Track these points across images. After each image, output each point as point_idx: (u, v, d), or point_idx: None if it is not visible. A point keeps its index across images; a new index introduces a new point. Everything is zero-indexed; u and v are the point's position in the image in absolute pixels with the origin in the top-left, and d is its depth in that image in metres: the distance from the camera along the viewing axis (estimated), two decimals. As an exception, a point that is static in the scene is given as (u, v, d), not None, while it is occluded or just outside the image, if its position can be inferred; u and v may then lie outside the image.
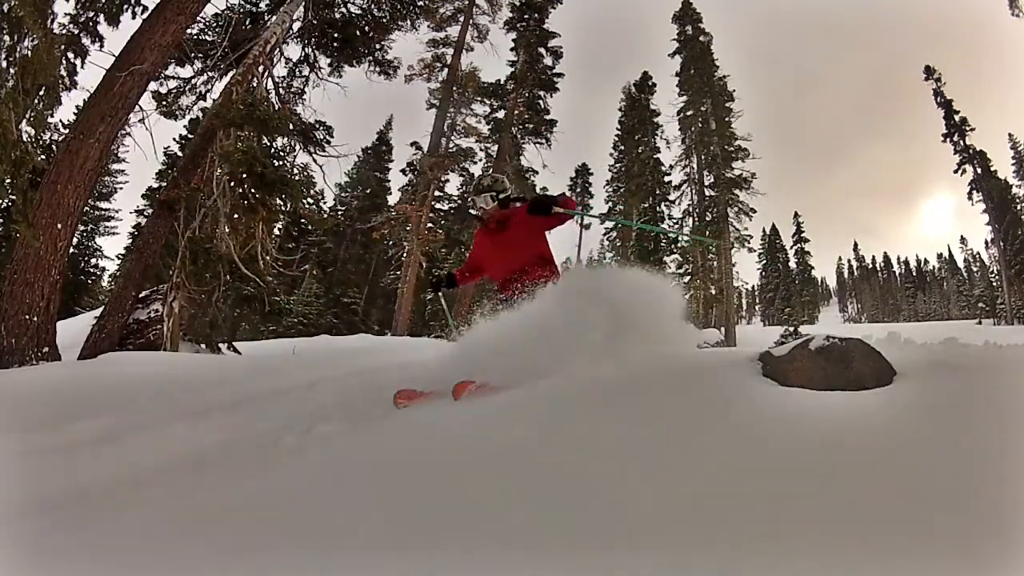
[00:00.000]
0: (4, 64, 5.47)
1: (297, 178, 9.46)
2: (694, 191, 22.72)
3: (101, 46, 8.08)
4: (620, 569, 0.92)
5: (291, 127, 8.86)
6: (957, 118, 23.35)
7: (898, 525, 0.95)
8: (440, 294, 3.89)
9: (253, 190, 7.87)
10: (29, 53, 5.57)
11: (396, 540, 1.08)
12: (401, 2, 10.61)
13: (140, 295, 7.38)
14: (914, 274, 39.72)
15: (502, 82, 20.46)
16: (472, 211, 3.65)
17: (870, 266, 42.36)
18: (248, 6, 9.66)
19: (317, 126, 9.43)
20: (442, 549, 1.03)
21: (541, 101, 20.67)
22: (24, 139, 5.57)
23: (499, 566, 0.97)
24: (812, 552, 0.90)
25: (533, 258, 3.32)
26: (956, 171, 23.43)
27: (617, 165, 24.37)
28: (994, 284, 26.88)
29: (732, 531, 0.98)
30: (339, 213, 21.87)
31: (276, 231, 12.49)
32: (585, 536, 1.02)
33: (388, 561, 1.01)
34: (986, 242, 25.56)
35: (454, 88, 19.63)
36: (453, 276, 3.78)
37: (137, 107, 7.23)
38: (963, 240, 33.68)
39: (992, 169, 23.19)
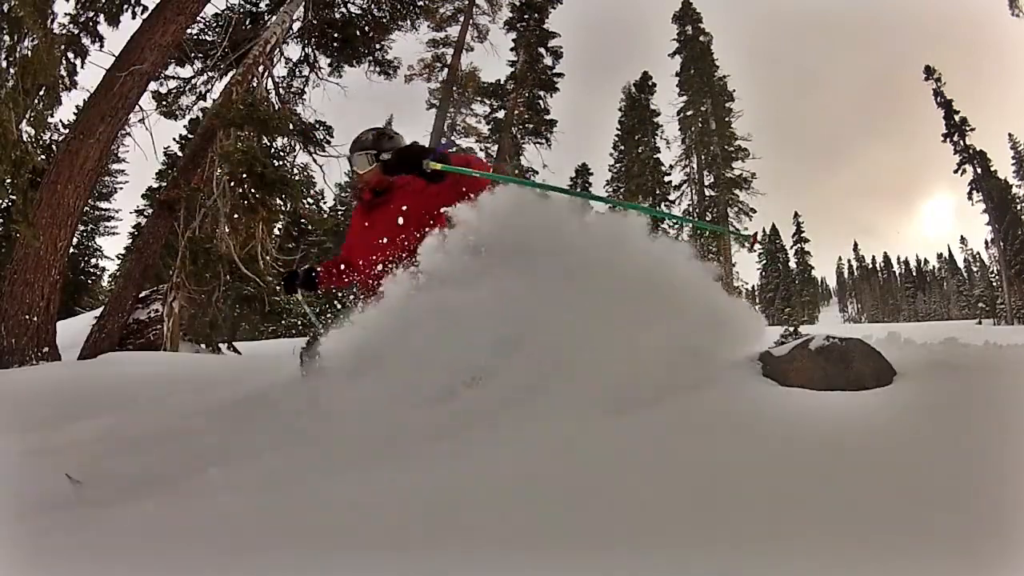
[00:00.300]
0: (4, 64, 5.48)
1: (297, 178, 9.48)
2: (694, 191, 22.73)
3: (101, 46, 8.10)
4: (620, 569, 0.92)
5: (291, 127, 8.87)
6: (957, 118, 23.37)
7: (898, 525, 0.95)
8: (299, 296, 2.78)
9: (253, 190, 7.89)
10: (29, 53, 5.58)
11: (396, 540, 1.08)
12: (401, 2, 10.62)
13: (140, 295, 7.39)
14: (914, 274, 39.73)
15: (502, 82, 20.47)
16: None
17: (870, 266, 42.38)
18: (248, 6, 9.67)
19: (317, 126, 9.44)
20: (442, 549, 1.03)
21: (541, 101, 20.68)
22: (24, 139, 5.58)
23: (499, 566, 0.97)
24: (812, 552, 0.90)
25: (415, 247, 2.09)
26: (956, 171, 23.46)
27: (617, 165, 24.36)
28: (994, 284, 26.88)
29: (732, 531, 0.98)
30: (339, 213, 21.87)
31: (276, 231, 12.50)
32: (585, 536, 1.02)
33: (388, 561, 1.01)
34: (986, 242, 25.59)
35: (454, 88, 19.64)
36: (314, 273, 2.68)
37: (137, 107, 7.25)
38: (963, 240, 33.71)
39: (992, 169, 23.20)
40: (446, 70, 19.53)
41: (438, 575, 0.96)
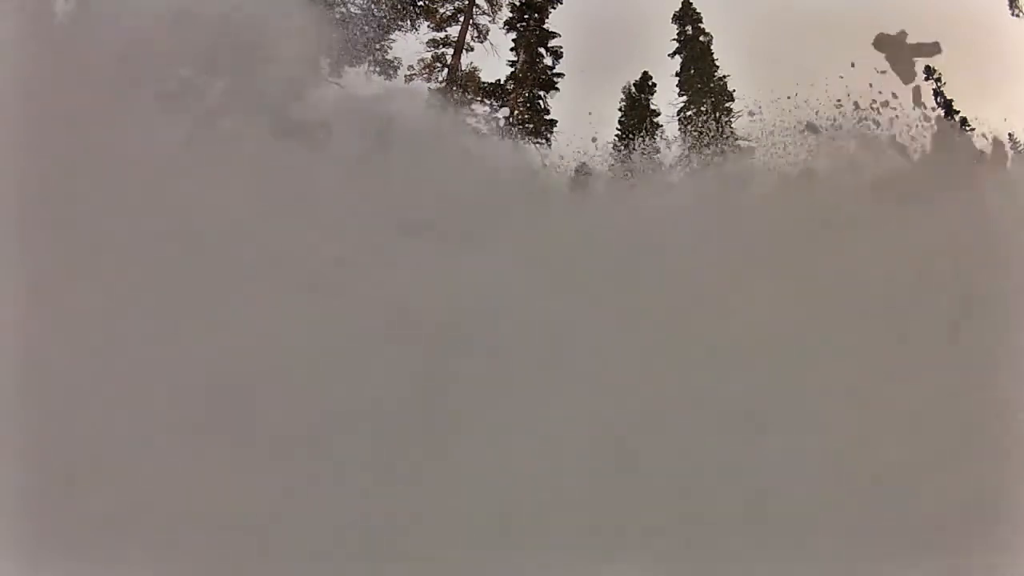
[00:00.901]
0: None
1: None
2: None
3: (101, 46, 8.07)
4: (620, 568, 0.91)
5: (291, 127, 8.85)
6: (957, 118, 23.31)
7: (899, 525, 0.95)
8: None
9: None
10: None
11: (397, 541, 1.08)
12: (401, 2, 10.62)
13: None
14: (914, 274, 39.63)
15: (502, 82, 20.42)
16: None
17: (870, 266, 42.27)
18: (248, 6, 9.66)
19: (317, 126, 9.43)
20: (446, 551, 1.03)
21: (541, 101, 20.62)
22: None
23: (499, 566, 0.97)
24: (811, 551, 0.90)
25: None
26: (956, 171, 23.35)
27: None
28: (994, 284, 26.79)
29: (732, 530, 0.98)
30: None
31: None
32: (587, 535, 1.02)
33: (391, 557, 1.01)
34: (986, 242, 25.48)
35: (454, 88, 19.60)
36: None
37: (137, 107, 7.22)
38: (963, 240, 33.58)
39: (992, 169, 23.12)
40: (446, 70, 19.50)
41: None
